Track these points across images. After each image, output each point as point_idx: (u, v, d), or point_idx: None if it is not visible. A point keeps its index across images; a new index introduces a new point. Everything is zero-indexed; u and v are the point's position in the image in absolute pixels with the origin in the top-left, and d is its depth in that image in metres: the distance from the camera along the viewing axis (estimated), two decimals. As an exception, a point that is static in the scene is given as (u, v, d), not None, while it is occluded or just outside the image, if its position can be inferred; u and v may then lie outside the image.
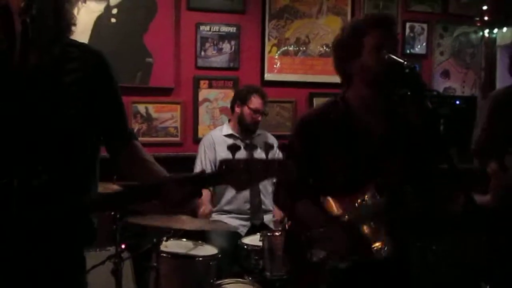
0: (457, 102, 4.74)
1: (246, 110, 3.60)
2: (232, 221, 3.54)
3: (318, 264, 1.96)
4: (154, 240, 2.76)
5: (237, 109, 3.66)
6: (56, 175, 1.52)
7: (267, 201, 3.66)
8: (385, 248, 1.93)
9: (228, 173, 1.44)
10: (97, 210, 1.62)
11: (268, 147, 1.50)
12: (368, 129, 2.03)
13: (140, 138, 1.88)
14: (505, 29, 4.82)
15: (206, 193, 3.47)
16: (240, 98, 3.64)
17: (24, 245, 1.45)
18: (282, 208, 2.32)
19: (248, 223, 3.58)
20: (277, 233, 2.89)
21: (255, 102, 3.60)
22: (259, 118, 3.61)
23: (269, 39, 4.38)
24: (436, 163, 2.17)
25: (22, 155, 1.46)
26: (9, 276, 1.47)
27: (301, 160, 2.02)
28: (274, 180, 2.77)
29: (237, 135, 3.66)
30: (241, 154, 1.44)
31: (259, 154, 1.44)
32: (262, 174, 1.43)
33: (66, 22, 1.60)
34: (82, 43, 1.67)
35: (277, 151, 3.35)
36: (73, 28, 1.63)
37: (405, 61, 1.84)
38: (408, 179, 2.09)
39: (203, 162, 3.61)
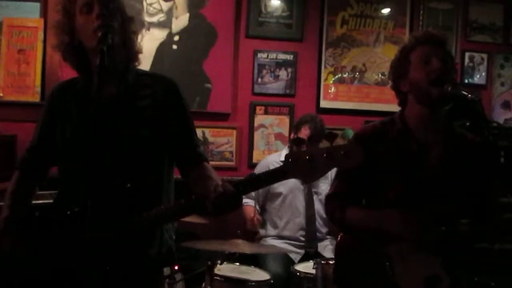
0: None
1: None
2: (286, 247, 3.55)
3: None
4: (209, 263, 2.80)
5: (292, 136, 3.69)
6: (133, 193, 1.60)
7: (323, 229, 3.65)
8: (442, 282, 1.89)
9: (294, 165, 1.45)
10: (156, 223, 1.68)
11: (332, 136, 1.48)
12: (426, 147, 2.00)
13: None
14: None
15: (249, 210, 3.50)
16: (295, 126, 3.70)
17: (102, 252, 1.51)
18: (331, 213, 2.27)
19: (302, 251, 3.56)
20: (331, 262, 2.87)
21: (305, 131, 3.61)
22: (303, 148, 3.57)
23: (325, 67, 4.41)
24: (495, 196, 2.12)
25: (102, 176, 1.54)
26: (81, 280, 1.53)
27: (354, 176, 2.01)
28: None
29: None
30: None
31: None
32: (328, 162, 1.42)
33: (134, 51, 1.71)
34: (154, 73, 1.78)
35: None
36: (140, 56, 1.74)
37: (468, 94, 1.83)
38: (464, 209, 2.04)
39: None
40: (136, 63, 1.78)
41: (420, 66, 1.98)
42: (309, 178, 1.46)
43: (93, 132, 1.56)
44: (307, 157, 1.42)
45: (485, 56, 4.74)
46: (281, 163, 3.65)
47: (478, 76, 4.75)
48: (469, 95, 1.84)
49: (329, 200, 2.18)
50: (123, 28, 1.68)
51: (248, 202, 3.58)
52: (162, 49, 4.08)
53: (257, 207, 3.58)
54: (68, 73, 1.89)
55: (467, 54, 4.70)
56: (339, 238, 2.19)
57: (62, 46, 1.71)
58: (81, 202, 1.55)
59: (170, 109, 1.73)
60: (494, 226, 2.00)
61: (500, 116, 4.75)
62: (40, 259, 1.62)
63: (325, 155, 1.41)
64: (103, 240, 1.52)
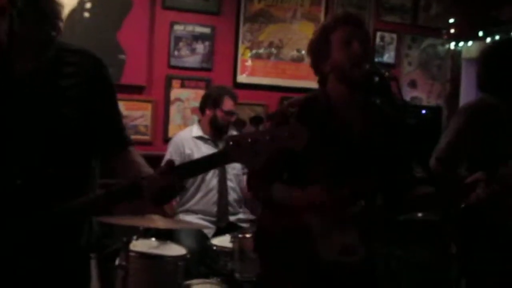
0: (423, 112, 4.87)
1: (219, 112, 3.59)
2: (199, 221, 3.54)
3: (293, 262, 1.98)
4: (124, 239, 2.73)
5: (209, 112, 3.64)
6: (55, 176, 1.50)
7: (235, 203, 3.68)
8: (357, 253, 1.98)
9: (236, 149, 1.36)
10: (84, 214, 1.60)
11: (258, 120, 1.43)
12: (348, 125, 2.05)
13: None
14: (470, 42, 4.97)
15: None
16: (212, 101, 3.62)
17: (28, 245, 1.44)
18: (255, 190, 2.26)
19: (214, 227, 3.57)
20: (248, 235, 2.90)
21: (228, 104, 3.60)
22: (232, 119, 3.62)
23: (242, 42, 4.40)
24: (405, 171, 2.24)
25: (21, 158, 1.44)
26: (10, 277, 1.46)
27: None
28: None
29: (207, 137, 3.65)
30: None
31: None
32: (272, 145, 1.34)
33: (55, 17, 1.57)
34: (80, 48, 1.65)
35: None
36: (60, 24, 1.61)
37: (386, 71, 1.89)
38: (381, 185, 2.13)
39: None
40: (58, 32, 1.63)
41: (342, 48, 2.00)
42: (251, 162, 1.37)
43: (8, 110, 1.44)
44: (249, 140, 1.33)
45: (394, 36, 4.93)
46: (195, 139, 3.65)
47: (387, 55, 4.94)
48: (387, 73, 1.90)
49: (253, 177, 2.18)
50: None
51: None
52: (73, 17, 3.87)
53: None
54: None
55: (378, 34, 4.87)
56: (260, 212, 2.22)
57: None
58: (3, 186, 1.44)
59: (97, 90, 1.60)
60: (405, 200, 2.10)
61: (407, 94, 4.99)
62: None
63: (268, 137, 1.33)
64: (25, 231, 1.43)
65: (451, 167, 2.36)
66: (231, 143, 1.35)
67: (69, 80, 1.56)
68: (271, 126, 1.55)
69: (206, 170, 1.48)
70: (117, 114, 1.72)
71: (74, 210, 1.54)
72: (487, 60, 2.43)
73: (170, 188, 1.45)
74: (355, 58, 1.97)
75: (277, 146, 1.34)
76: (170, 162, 1.47)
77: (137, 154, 1.71)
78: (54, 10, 1.56)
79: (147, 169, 1.65)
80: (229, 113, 3.59)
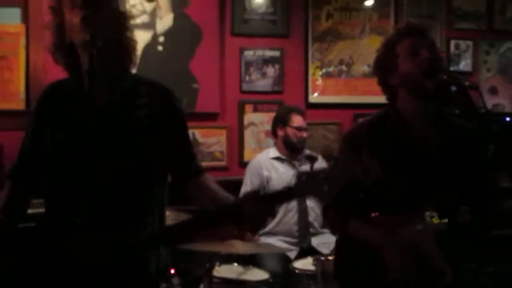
0: (507, 119, 4.62)
1: (289, 130, 3.63)
2: (281, 244, 3.53)
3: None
4: (207, 265, 2.76)
5: (280, 132, 3.68)
6: (126, 205, 1.55)
7: (316, 223, 3.64)
8: (446, 275, 1.88)
9: (311, 183, 1.42)
10: (172, 242, 1.64)
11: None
12: (424, 140, 1.98)
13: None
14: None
15: None
16: (281, 121, 3.68)
17: (95, 280, 1.47)
18: (331, 224, 2.24)
19: (297, 248, 3.55)
20: (330, 258, 2.85)
21: (296, 120, 3.64)
22: (304, 135, 3.64)
23: (312, 62, 4.39)
24: (489, 183, 2.12)
25: (98, 187, 1.49)
26: None
27: (352, 173, 1.98)
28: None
29: (284, 157, 3.67)
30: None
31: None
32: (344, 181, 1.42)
33: (129, 50, 1.64)
34: (152, 80, 1.71)
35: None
36: (134, 57, 1.67)
37: (466, 80, 1.82)
38: (464, 197, 2.03)
39: (249, 189, 3.62)
40: (132, 65, 1.70)
41: (409, 58, 1.95)
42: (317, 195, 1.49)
43: (85, 140, 1.50)
44: (321, 176, 1.42)
45: (470, 43, 4.75)
46: (272, 160, 3.66)
47: (464, 63, 4.77)
48: (467, 82, 1.82)
49: (330, 205, 2.13)
50: (114, 24, 1.59)
51: None
52: (147, 51, 4.03)
53: None
54: (53, 78, 1.81)
55: (452, 42, 4.71)
56: (337, 240, 2.17)
57: (53, 47, 1.63)
58: (73, 217, 1.50)
59: (168, 120, 1.66)
60: (494, 214, 1.99)
61: (488, 101, 4.77)
62: (32, 279, 1.56)
63: (340, 171, 1.49)
64: (100, 259, 1.48)
65: None
66: (303, 178, 1.43)
67: (142, 111, 1.62)
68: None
69: (286, 202, 1.56)
70: (188, 143, 1.76)
71: (158, 236, 1.58)
72: None
73: (267, 213, 1.48)
74: (425, 66, 1.91)
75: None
76: (259, 190, 1.54)
77: (211, 180, 1.74)
78: (130, 45, 1.63)
79: (224, 194, 1.68)
80: (299, 128, 3.62)
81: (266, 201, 1.50)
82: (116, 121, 1.60)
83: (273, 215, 1.53)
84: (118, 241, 1.52)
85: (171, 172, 1.74)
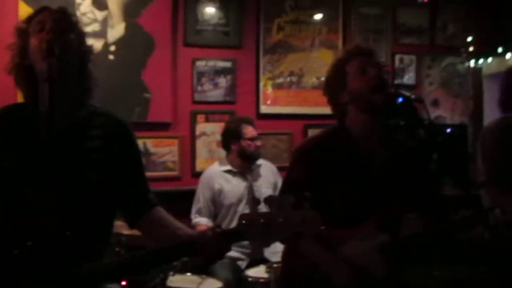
0: (449, 130, 4.84)
1: (244, 142, 3.61)
2: (233, 253, 3.55)
3: None
4: (161, 275, 2.76)
5: (234, 147, 3.64)
6: (76, 238, 1.51)
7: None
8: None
9: (249, 228, 1.40)
10: (120, 277, 1.61)
11: (272, 200, 1.44)
12: (371, 156, 2.07)
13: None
14: (490, 59, 4.97)
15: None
16: (233, 135, 3.64)
17: None
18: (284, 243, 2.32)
19: (246, 258, 3.57)
20: (283, 265, 2.90)
21: (249, 131, 3.63)
22: (258, 143, 3.66)
23: (263, 73, 4.46)
24: (436, 191, 2.24)
25: (44, 218, 1.46)
26: None
27: (302, 188, 2.04)
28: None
29: (236, 170, 3.67)
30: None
31: (263, 181, 1.41)
32: (285, 228, 1.37)
33: (90, 83, 1.64)
34: (107, 111, 1.71)
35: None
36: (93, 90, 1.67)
37: (412, 94, 1.92)
38: (411, 207, 2.14)
39: (201, 202, 3.63)
40: (90, 96, 1.67)
41: (358, 76, 2.05)
42: (263, 242, 1.44)
43: (35, 169, 1.48)
44: (262, 221, 1.38)
45: (414, 57, 4.96)
46: (224, 173, 3.65)
47: (407, 76, 4.97)
48: (413, 96, 1.92)
49: None
50: (77, 53, 1.60)
51: (201, 221, 3.55)
52: (98, 60, 3.93)
53: (211, 224, 3.55)
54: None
55: (397, 56, 4.90)
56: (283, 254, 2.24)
57: (14, 69, 1.61)
58: (18, 246, 1.44)
59: (122, 154, 1.65)
60: (444, 222, 2.09)
61: (431, 113, 4.97)
62: None
63: (281, 220, 1.37)
64: None
65: (500, 188, 2.31)
66: (243, 221, 1.39)
67: (96, 142, 1.61)
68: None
69: (231, 244, 1.53)
70: (142, 176, 1.75)
71: (110, 270, 1.55)
72: (508, 80, 2.43)
73: (223, 250, 1.49)
74: (373, 83, 2.01)
75: (289, 230, 1.37)
76: (217, 227, 1.53)
77: (165, 213, 1.72)
78: (89, 76, 1.64)
79: (180, 225, 1.67)
80: (253, 138, 3.63)
81: (223, 239, 1.49)
82: (68, 152, 1.56)
83: (228, 251, 1.51)
84: (67, 275, 1.47)
85: (124, 207, 1.72)
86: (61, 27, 1.57)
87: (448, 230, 1.99)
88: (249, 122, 3.70)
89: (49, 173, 1.49)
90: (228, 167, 3.67)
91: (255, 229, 1.38)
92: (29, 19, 1.63)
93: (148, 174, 4.13)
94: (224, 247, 1.50)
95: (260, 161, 3.77)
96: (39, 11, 1.64)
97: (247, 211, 3.61)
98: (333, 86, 2.12)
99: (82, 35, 1.67)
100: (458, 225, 1.97)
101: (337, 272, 1.97)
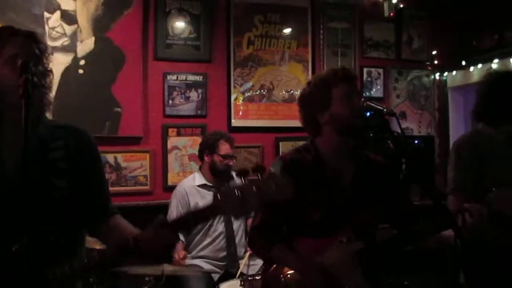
0: (416, 142, 4.96)
1: (216, 157, 3.61)
2: (206, 266, 3.54)
3: None
4: (136, 289, 2.73)
5: (207, 158, 3.65)
6: (48, 243, 1.54)
7: (241, 247, 3.67)
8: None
9: (225, 202, 1.43)
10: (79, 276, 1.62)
11: (260, 169, 1.48)
12: (339, 174, 2.14)
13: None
14: (454, 72, 5.13)
15: (179, 244, 3.47)
16: (208, 147, 3.65)
17: None
18: (257, 252, 2.34)
19: (221, 271, 3.56)
20: (257, 277, 2.91)
21: (224, 148, 3.62)
22: (230, 163, 3.64)
23: (234, 87, 4.50)
24: (405, 201, 2.31)
25: (19, 225, 1.46)
26: None
27: (277, 206, 2.07)
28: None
29: (210, 184, 3.66)
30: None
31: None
32: (259, 197, 1.41)
33: (48, 102, 1.67)
34: (66, 124, 1.75)
35: None
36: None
37: (384, 108, 1.97)
38: (381, 218, 2.20)
39: (175, 217, 3.58)
40: (47, 110, 1.71)
41: (345, 101, 2.10)
42: (240, 213, 1.45)
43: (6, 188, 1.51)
44: (237, 193, 1.40)
45: (381, 71, 5.07)
46: (198, 187, 3.65)
47: (375, 89, 5.07)
48: (385, 109, 1.98)
49: (254, 234, 2.22)
50: (42, 79, 1.62)
51: None
52: (68, 74, 3.95)
53: (182, 238, 3.53)
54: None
55: (365, 70, 5.01)
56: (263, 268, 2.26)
57: None
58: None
59: (83, 162, 1.69)
60: (409, 230, 2.13)
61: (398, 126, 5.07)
62: None
63: (255, 189, 1.40)
64: None
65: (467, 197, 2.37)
66: (219, 196, 1.43)
67: (59, 153, 1.64)
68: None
69: (198, 224, 1.54)
70: (104, 184, 1.79)
71: (67, 274, 1.56)
72: (484, 90, 2.50)
73: (167, 244, 1.52)
74: (357, 112, 2.06)
75: (263, 198, 1.40)
76: (161, 219, 1.53)
77: (123, 220, 1.76)
78: (48, 91, 1.65)
79: (133, 230, 1.67)
80: (227, 156, 3.62)
81: (166, 231, 1.50)
82: (34, 164, 1.58)
83: (175, 241, 1.53)
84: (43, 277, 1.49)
85: (85, 214, 1.73)
86: (35, 63, 1.56)
87: (419, 233, 2.04)
88: (228, 139, 3.67)
89: (13, 187, 1.50)
90: (203, 181, 3.66)
91: (231, 201, 1.41)
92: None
93: (120, 188, 4.21)
94: (168, 240, 1.51)
95: (236, 180, 3.76)
96: (8, 34, 1.63)
97: (221, 226, 3.60)
98: (313, 105, 2.15)
99: (46, 59, 1.68)
100: (428, 228, 2.01)
101: (309, 276, 2.01)
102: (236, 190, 1.41)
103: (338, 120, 2.10)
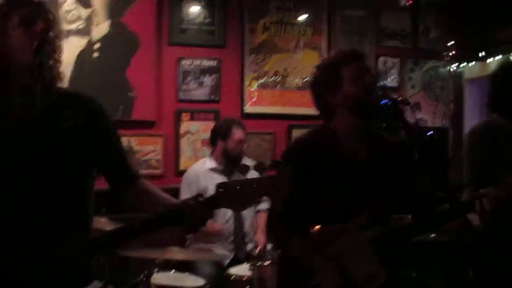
0: (430, 133, 4.91)
1: (230, 143, 3.64)
2: (218, 250, 3.57)
3: None
4: (145, 272, 2.76)
5: (221, 143, 3.68)
6: (57, 214, 1.56)
7: (250, 231, 3.69)
8: (378, 278, 2.00)
9: (226, 195, 1.50)
10: (109, 248, 1.65)
11: (261, 167, 1.56)
12: (355, 155, 2.11)
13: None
14: (471, 63, 5.05)
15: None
16: (222, 134, 3.69)
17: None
18: (276, 240, 2.34)
19: (230, 255, 3.59)
20: (266, 263, 2.92)
21: (238, 133, 3.66)
22: (244, 147, 3.69)
23: (248, 73, 4.49)
24: (421, 183, 2.29)
25: (25, 197, 1.50)
26: None
27: (291, 188, 2.08)
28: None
29: (221, 168, 3.68)
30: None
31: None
32: (257, 193, 1.49)
33: (58, 72, 1.65)
34: (76, 92, 1.73)
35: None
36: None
37: (399, 96, 1.96)
38: (397, 206, 2.19)
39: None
40: (59, 79, 1.68)
41: (354, 80, 2.08)
42: (238, 207, 1.55)
43: (10, 155, 1.51)
44: (238, 187, 1.48)
45: (396, 60, 5.02)
46: (209, 171, 3.67)
47: (390, 79, 5.02)
48: (399, 98, 1.97)
49: (273, 221, 2.20)
50: (54, 46, 1.61)
51: None
52: (83, 57, 3.97)
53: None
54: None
55: (381, 59, 4.96)
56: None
57: None
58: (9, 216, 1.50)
59: (95, 129, 1.66)
60: (423, 218, 2.12)
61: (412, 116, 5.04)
62: None
63: (255, 185, 1.48)
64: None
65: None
66: (220, 189, 1.50)
67: (68, 123, 1.62)
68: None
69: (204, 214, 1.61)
70: (121, 149, 1.76)
71: (100, 243, 1.59)
72: (498, 81, 2.47)
73: (205, 217, 1.56)
74: (368, 87, 2.06)
75: (261, 194, 1.52)
76: (200, 195, 1.58)
77: (149, 184, 1.76)
78: (59, 59, 1.65)
79: (163, 195, 1.71)
80: (239, 141, 3.66)
81: (205, 205, 1.56)
82: (42, 136, 1.59)
83: (210, 217, 1.60)
84: (59, 248, 1.51)
85: (109, 180, 1.74)
86: (48, 27, 1.57)
87: (437, 219, 2.03)
88: (240, 125, 3.72)
89: (25, 158, 1.53)
90: (214, 165, 3.69)
91: (230, 195, 1.49)
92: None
93: (132, 172, 4.21)
94: (206, 214, 1.57)
95: (246, 161, 3.78)
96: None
97: (230, 211, 3.62)
98: (323, 87, 2.14)
99: (59, 26, 1.67)
100: (447, 213, 2.00)
101: (327, 278, 2.00)
102: (237, 185, 1.49)
103: (350, 99, 2.08)
